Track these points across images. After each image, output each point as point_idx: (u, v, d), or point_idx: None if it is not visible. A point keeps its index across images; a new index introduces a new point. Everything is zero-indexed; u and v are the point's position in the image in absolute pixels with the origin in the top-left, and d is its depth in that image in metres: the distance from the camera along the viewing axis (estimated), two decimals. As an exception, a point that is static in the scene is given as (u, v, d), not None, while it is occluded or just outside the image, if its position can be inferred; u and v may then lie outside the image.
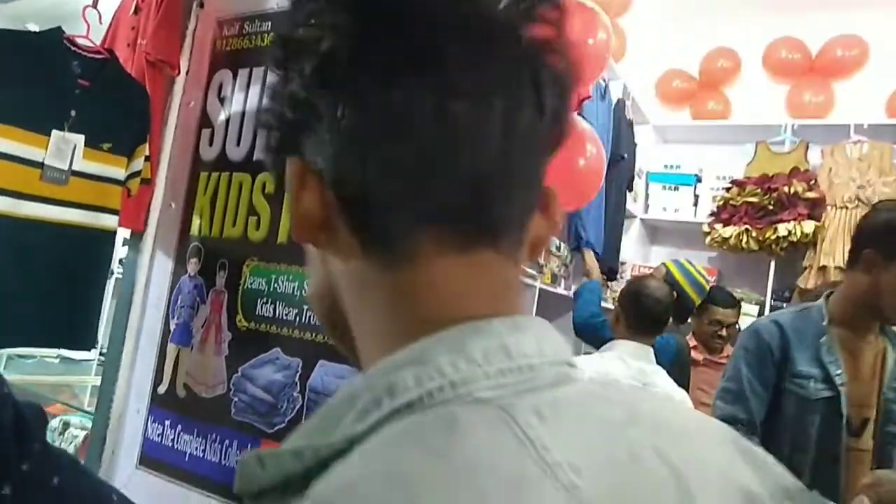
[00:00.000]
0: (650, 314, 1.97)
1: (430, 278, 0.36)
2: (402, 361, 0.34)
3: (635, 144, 3.24)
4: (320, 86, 0.37)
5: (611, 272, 3.02)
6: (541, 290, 2.43)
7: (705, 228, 3.25)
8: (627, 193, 3.19)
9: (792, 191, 3.00)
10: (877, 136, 3.04)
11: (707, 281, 2.48)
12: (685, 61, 3.75)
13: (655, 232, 3.79)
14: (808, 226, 2.92)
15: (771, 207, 3.06)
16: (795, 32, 3.47)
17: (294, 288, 1.60)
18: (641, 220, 3.58)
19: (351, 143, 0.36)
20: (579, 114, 2.48)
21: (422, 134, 0.35)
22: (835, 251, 2.91)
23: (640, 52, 3.71)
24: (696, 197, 3.46)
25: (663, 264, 2.51)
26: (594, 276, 2.59)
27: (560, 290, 2.64)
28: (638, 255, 3.60)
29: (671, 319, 2.09)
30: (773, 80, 3.56)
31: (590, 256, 2.65)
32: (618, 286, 3.41)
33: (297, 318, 1.58)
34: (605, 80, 2.77)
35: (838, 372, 1.48)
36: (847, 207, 2.98)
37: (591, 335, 2.27)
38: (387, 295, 0.37)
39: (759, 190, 3.10)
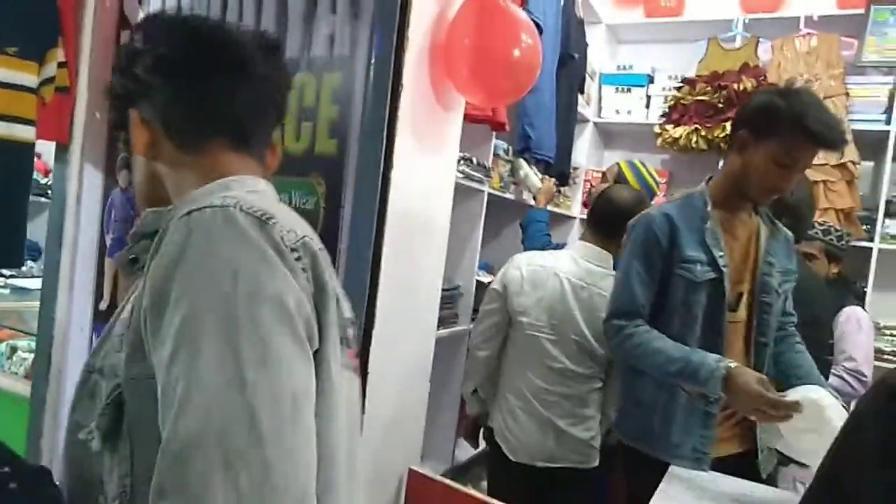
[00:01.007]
0: (603, 215, 2.00)
1: (217, 160, 0.79)
2: (212, 189, 0.73)
3: (587, 44, 3.17)
4: (156, 73, 0.77)
5: (562, 176, 3.01)
6: (490, 194, 2.42)
7: (657, 130, 3.25)
8: (580, 96, 3.13)
9: (741, 88, 2.99)
10: (826, 28, 3.02)
11: (657, 183, 2.49)
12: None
13: (609, 135, 3.77)
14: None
15: (721, 105, 3.05)
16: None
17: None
18: (595, 123, 3.55)
19: (175, 102, 0.78)
20: (524, 7, 2.40)
21: (210, 95, 0.79)
22: (781, 147, 2.94)
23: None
24: (649, 98, 3.43)
25: (616, 164, 2.51)
26: (541, 203, 2.57)
27: (508, 194, 2.63)
28: (591, 160, 3.60)
29: None
30: (727, -27, 3.47)
31: (546, 184, 2.63)
32: (570, 191, 3.44)
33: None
34: (553, -25, 2.67)
35: (721, 254, 1.54)
36: (794, 102, 2.99)
37: None
38: (195, 169, 0.78)
39: (709, 88, 3.08)
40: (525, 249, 2.26)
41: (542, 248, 2.33)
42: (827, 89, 2.95)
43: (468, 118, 2.13)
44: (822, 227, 2.32)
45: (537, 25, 2.43)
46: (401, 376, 1.56)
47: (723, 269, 1.54)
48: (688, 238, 1.57)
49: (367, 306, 1.37)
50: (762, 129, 1.49)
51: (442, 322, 2.26)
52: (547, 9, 2.57)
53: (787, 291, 1.67)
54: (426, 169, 1.52)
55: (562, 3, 2.78)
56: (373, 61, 1.37)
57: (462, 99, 1.59)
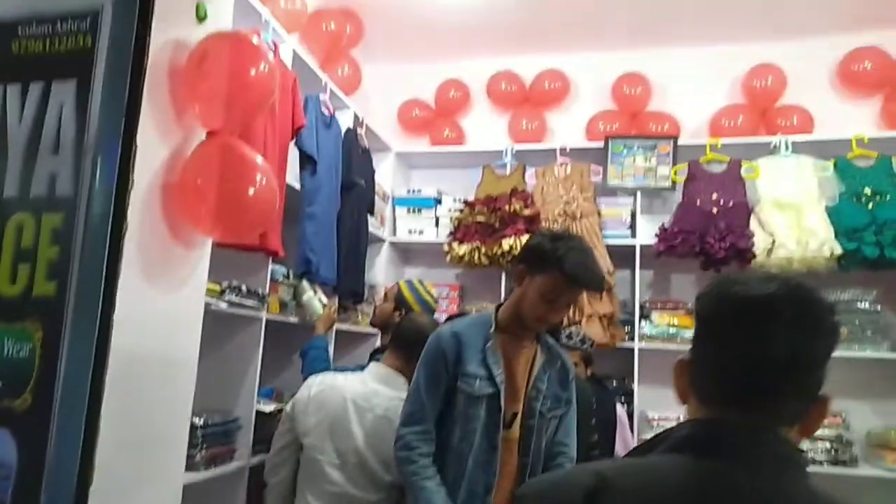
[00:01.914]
0: (401, 340, 2.09)
1: None
2: None
3: (373, 171, 3.37)
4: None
5: (354, 295, 3.08)
6: (270, 320, 2.40)
7: (445, 248, 3.47)
8: (369, 217, 3.28)
9: (511, 209, 3.32)
10: (578, 158, 3.49)
11: (435, 299, 2.63)
12: (422, 92, 4.00)
13: (406, 253, 3.96)
14: (526, 239, 3.25)
15: (497, 225, 3.35)
16: (512, 67, 3.89)
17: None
18: (391, 242, 3.71)
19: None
20: (297, 143, 2.52)
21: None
22: (550, 260, 3.27)
23: (377, 84, 3.90)
24: (437, 218, 3.68)
25: (396, 283, 2.63)
26: (320, 330, 2.60)
27: (293, 318, 2.63)
28: (390, 277, 3.72)
29: None
30: (496, 109, 3.94)
31: (327, 311, 2.68)
32: (367, 308, 3.51)
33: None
34: (329, 110, 2.85)
35: (498, 372, 1.67)
36: (558, 221, 3.37)
37: None
38: None
39: (486, 209, 3.39)
40: (304, 377, 2.25)
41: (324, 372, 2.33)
42: (583, 209, 3.37)
43: (238, 247, 2.14)
44: (578, 337, 2.57)
45: (310, 157, 2.57)
46: (135, 533, 1.42)
47: (499, 385, 1.66)
48: (471, 355, 1.69)
49: (81, 461, 1.26)
50: (533, 266, 1.68)
51: (213, 460, 2.14)
52: (323, 143, 2.71)
53: (558, 417, 1.77)
54: (162, 306, 1.49)
55: (342, 136, 2.96)
56: (92, 201, 1.34)
57: (206, 235, 1.60)
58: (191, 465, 2.02)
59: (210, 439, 2.13)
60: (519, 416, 1.71)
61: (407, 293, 2.56)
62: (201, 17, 1.57)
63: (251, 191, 1.49)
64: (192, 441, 2.04)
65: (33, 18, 1.48)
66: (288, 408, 2.07)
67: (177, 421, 1.58)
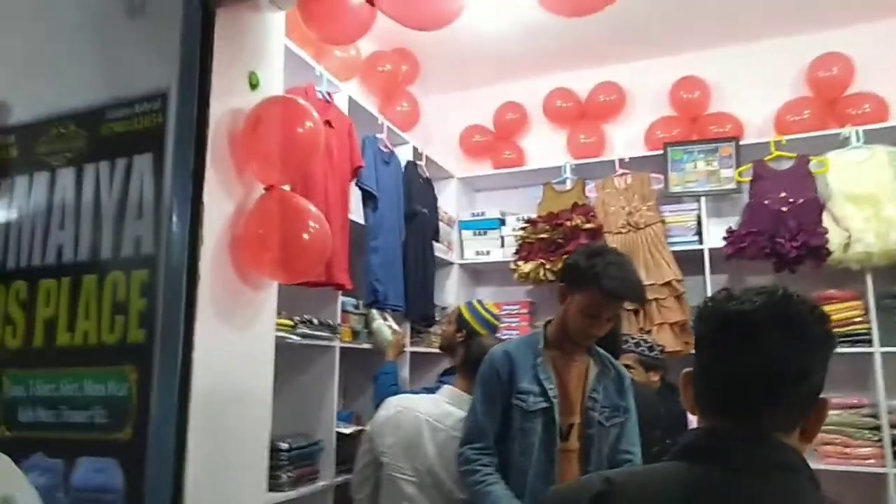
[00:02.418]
0: (469, 362, 2.17)
1: None
2: None
3: (435, 198, 3.52)
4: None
5: (425, 318, 3.23)
6: (343, 348, 2.58)
7: (511, 266, 3.56)
8: (434, 244, 3.43)
9: (573, 224, 3.37)
10: (637, 168, 3.50)
11: (495, 317, 2.73)
12: (481, 117, 4.13)
13: (476, 274, 4.07)
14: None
15: (560, 241, 3.41)
16: (567, 83, 3.95)
17: (50, 390, 1.65)
18: (460, 265, 3.84)
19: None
20: (357, 182, 2.71)
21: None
22: (615, 272, 3.29)
23: (437, 115, 4.07)
24: (502, 238, 3.78)
25: (457, 307, 2.74)
26: (390, 356, 2.72)
27: (366, 344, 2.80)
28: (462, 298, 3.83)
29: None
30: (553, 126, 4.00)
31: (396, 338, 2.79)
32: (440, 329, 3.65)
33: (56, 419, 1.63)
34: (388, 148, 3.03)
35: (551, 387, 1.74)
36: (621, 233, 3.39)
37: None
38: None
39: (547, 226, 3.46)
40: (375, 402, 2.39)
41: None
42: (646, 219, 3.37)
43: (308, 284, 2.34)
44: (633, 341, 2.58)
45: (371, 194, 2.75)
46: (224, 547, 1.61)
47: (553, 399, 1.73)
48: (523, 372, 1.77)
49: (174, 482, 1.45)
50: (572, 284, 1.75)
51: (299, 481, 2.32)
52: (383, 179, 2.89)
53: (618, 425, 1.82)
54: (237, 344, 1.68)
55: (401, 170, 3.13)
56: (171, 257, 1.55)
57: (271, 279, 1.79)
58: (277, 486, 2.22)
59: (295, 461, 2.32)
60: (577, 426, 1.77)
61: (467, 315, 2.66)
62: (254, 85, 1.77)
63: (306, 236, 1.66)
64: (278, 464, 2.24)
65: (116, 103, 1.73)
66: (368, 427, 2.19)
67: (257, 446, 1.76)
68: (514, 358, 1.79)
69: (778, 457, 0.83)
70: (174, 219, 1.57)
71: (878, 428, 2.82)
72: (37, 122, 1.79)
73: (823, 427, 2.96)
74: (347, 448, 2.52)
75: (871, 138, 3.06)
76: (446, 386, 2.25)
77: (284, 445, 2.28)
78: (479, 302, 2.75)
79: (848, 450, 2.84)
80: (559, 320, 1.81)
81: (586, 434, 1.76)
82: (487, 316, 2.66)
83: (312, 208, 1.72)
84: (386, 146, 3.01)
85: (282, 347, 2.24)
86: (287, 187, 1.82)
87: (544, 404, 1.74)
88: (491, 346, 2.19)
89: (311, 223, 1.68)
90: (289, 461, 2.29)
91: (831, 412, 2.90)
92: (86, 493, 1.56)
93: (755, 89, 3.56)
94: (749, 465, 0.81)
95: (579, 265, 1.72)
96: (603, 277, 1.66)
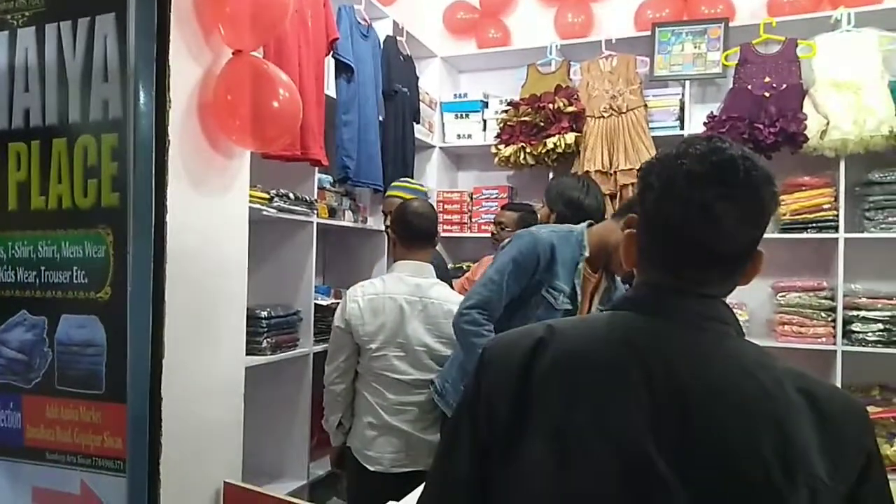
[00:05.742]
0: (418, 229, 2.17)
1: None
2: None
3: (416, 77, 3.44)
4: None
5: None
6: (320, 224, 2.63)
7: (493, 150, 3.55)
8: (415, 125, 3.39)
9: (556, 107, 3.33)
10: (624, 49, 3.41)
11: (422, 186, 2.89)
12: (467, -7, 3.96)
13: (457, 158, 4.06)
14: (570, 137, 3.28)
15: (542, 124, 3.38)
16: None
17: (29, 251, 1.69)
18: (441, 148, 3.82)
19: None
20: (334, 54, 2.64)
21: None
22: (595, 157, 3.30)
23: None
24: (485, 121, 3.74)
25: (387, 195, 2.82)
26: None
27: (345, 222, 2.85)
28: (443, 182, 3.87)
29: None
30: (540, 3, 3.85)
31: None
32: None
33: (37, 280, 1.68)
34: (366, 21, 2.93)
35: (580, 292, 1.82)
36: (603, 117, 3.36)
37: None
38: None
39: (530, 109, 3.42)
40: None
41: None
42: (629, 103, 3.34)
43: (281, 158, 2.34)
44: None
45: (348, 66, 2.69)
46: (205, 400, 1.72)
47: (578, 304, 1.82)
48: (563, 270, 1.82)
49: (152, 338, 1.53)
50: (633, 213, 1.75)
51: (279, 346, 2.44)
52: (360, 53, 2.81)
53: None
54: (209, 210, 1.71)
55: (380, 46, 3.04)
56: (138, 121, 1.55)
57: (242, 146, 1.79)
58: (258, 351, 2.33)
59: (274, 329, 2.43)
60: None
61: (400, 193, 2.71)
62: (219, -58, 1.69)
63: (276, 104, 1.65)
64: (258, 330, 2.35)
65: (73, -42, 1.65)
66: (340, 323, 2.12)
67: (236, 311, 1.84)
68: (558, 253, 1.83)
69: (714, 312, 0.88)
70: (140, 82, 1.55)
71: (833, 309, 2.96)
72: (-9, -23, 1.71)
73: (783, 308, 3.07)
74: (326, 319, 2.63)
75: (863, 21, 2.99)
76: (396, 263, 2.21)
77: (264, 314, 2.38)
78: (405, 179, 2.85)
79: (804, 329, 3.00)
80: (606, 238, 1.82)
81: None
82: (417, 187, 2.75)
83: (283, 76, 1.69)
84: (364, 19, 2.90)
85: (260, 222, 2.28)
86: (259, 55, 1.78)
87: (569, 306, 1.82)
88: (417, 206, 2.21)
89: (282, 91, 1.67)
90: (268, 328, 2.39)
91: (792, 294, 3.05)
92: (70, 346, 1.65)
93: (751, -32, 3.42)
94: (690, 319, 0.86)
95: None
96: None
